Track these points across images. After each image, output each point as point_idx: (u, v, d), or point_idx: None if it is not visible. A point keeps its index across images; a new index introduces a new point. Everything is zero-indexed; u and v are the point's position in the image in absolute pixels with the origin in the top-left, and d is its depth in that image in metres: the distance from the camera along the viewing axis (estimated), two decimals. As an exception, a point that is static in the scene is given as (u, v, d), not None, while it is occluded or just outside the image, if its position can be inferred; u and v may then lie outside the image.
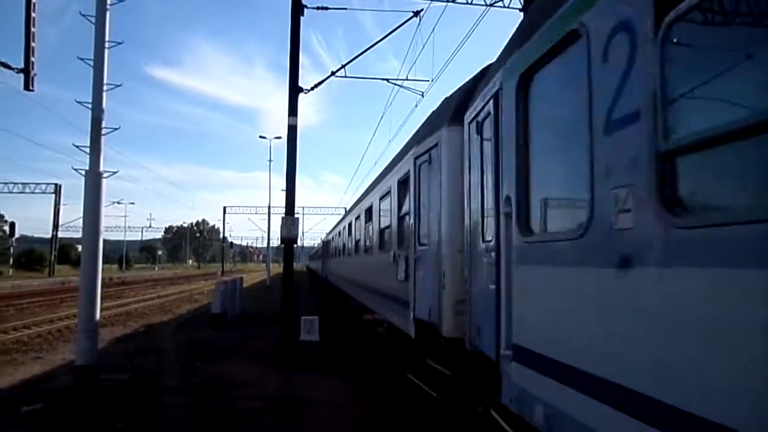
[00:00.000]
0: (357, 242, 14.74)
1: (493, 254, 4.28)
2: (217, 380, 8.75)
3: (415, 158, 7.07)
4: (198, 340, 13.21)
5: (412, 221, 7.11)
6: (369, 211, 12.25)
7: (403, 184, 8.08)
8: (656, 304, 2.17)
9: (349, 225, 16.87)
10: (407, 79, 13.71)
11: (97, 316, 8.11)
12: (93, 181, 8.26)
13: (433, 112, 7.28)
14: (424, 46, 13.21)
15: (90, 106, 8.45)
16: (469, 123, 5.23)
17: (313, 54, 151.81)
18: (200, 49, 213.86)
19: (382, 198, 10.34)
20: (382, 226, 10.31)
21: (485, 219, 4.68)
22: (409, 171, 7.41)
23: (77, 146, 8.54)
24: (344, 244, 19.04)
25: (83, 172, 8.34)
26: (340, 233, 21.69)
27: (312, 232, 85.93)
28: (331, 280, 25.64)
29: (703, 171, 2.09)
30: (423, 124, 7.70)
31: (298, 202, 15.28)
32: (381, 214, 10.54)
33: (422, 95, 13.83)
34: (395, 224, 8.47)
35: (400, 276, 7.67)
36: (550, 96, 3.54)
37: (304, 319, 14.32)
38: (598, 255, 2.64)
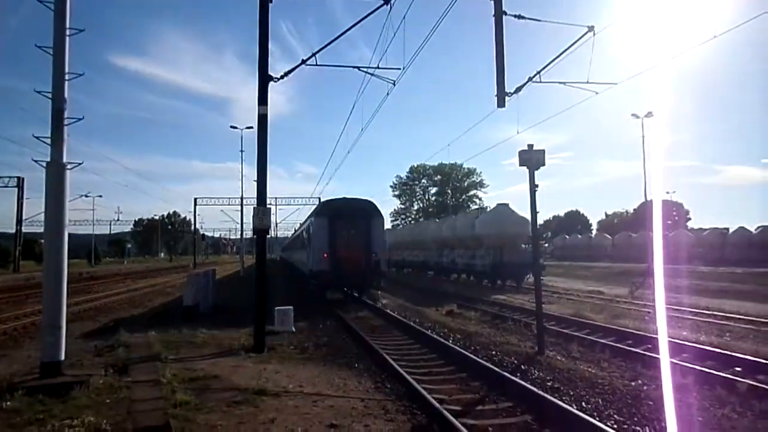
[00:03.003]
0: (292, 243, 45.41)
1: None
2: (189, 373, 8.65)
3: (310, 222, 24.51)
4: (169, 333, 13.03)
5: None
6: (300, 235, 32.89)
7: (307, 229, 25.23)
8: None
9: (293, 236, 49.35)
10: (378, 67, 13.62)
11: (63, 311, 7.93)
12: (55, 172, 8.02)
13: (312, 212, 26.55)
14: (395, 34, 13.14)
15: (50, 96, 8.19)
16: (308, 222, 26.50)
17: (283, 43, 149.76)
18: (167, 37, 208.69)
19: (299, 232, 34.83)
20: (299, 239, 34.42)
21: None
22: (308, 225, 25.19)
23: (37, 137, 8.29)
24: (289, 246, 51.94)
25: (44, 164, 8.10)
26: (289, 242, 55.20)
27: (285, 223, 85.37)
28: (285, 258, 62.48)
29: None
30: (309, 215, 28.30)
31: (271, 192, 19.24)
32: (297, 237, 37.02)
33: (394, 84, 13.81)
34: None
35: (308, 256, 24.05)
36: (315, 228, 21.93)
37: (277, 310, 14.28)
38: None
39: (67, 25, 8.22)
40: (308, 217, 27.01)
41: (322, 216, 21.87)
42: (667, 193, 73.54)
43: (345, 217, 21.35)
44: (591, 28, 11.40)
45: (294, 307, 14.74)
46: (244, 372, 8.97)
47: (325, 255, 20.81)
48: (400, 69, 13.50)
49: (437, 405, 6.90)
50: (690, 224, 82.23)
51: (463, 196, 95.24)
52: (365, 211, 21.77)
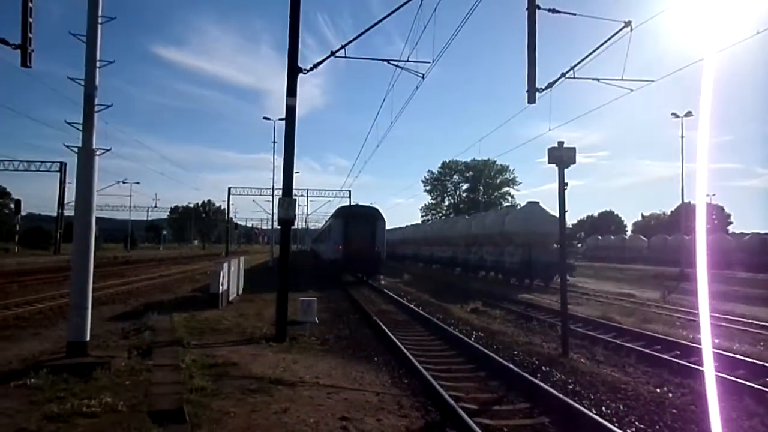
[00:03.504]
0: (318, 237, 56.72)
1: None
2: (209, 359, 8.78)
3: (330, 222, 34.21)
4: (194, 319, 13.26)
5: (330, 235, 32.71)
6: (324, 231, 42.80)
7: (328, 227, 34.68)
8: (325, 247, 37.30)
9: (319, 232, 58.88)
10: (408, 61, 13.53)
11: (89, 292, 8.12)
12: (86, 158, 8.21)
13: (332, 215, 36.42)
14: (425, 27, 13.01)
15: (83, 83, 8.38)
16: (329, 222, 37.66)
17: (320, 35, 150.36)
18: (206, 28, 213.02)
19: (323, 229, 46.45)
20: (323, 234, 45.01)
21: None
22: (329, 224, 35.11)
23: (69, 123, 8.54)
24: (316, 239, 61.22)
25: (75, 149, 8.30)
26: (318, 235, 59.70)
27: (317, 214, 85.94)
28: (314, 249, 65.63)
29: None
30: (329, 217, 41.07)
31: (304, 184, 18.35)
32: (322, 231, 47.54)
33: (423, 77, 13.68)
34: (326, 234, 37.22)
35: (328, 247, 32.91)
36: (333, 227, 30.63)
37: (301, 300, 14.37)
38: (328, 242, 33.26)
39: (100, 13, 8.39)
40: (329, 218, 38.58)
41: (339, 218, 30.07)
42: (707, 196, 71.16)
43: (356, 220, 29.09)
44: (628, 23, 11.05)
45: (318, 299, 14.82)
46: (263, 361, 9.04)
47: (340, 247, 28.37)
48: (429, 62, 13.42)
49: (452, 403, 6.82)
50: (731, 228, 79.50)
51: (495, 193, 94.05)
52: (371, 215, 29.90)
